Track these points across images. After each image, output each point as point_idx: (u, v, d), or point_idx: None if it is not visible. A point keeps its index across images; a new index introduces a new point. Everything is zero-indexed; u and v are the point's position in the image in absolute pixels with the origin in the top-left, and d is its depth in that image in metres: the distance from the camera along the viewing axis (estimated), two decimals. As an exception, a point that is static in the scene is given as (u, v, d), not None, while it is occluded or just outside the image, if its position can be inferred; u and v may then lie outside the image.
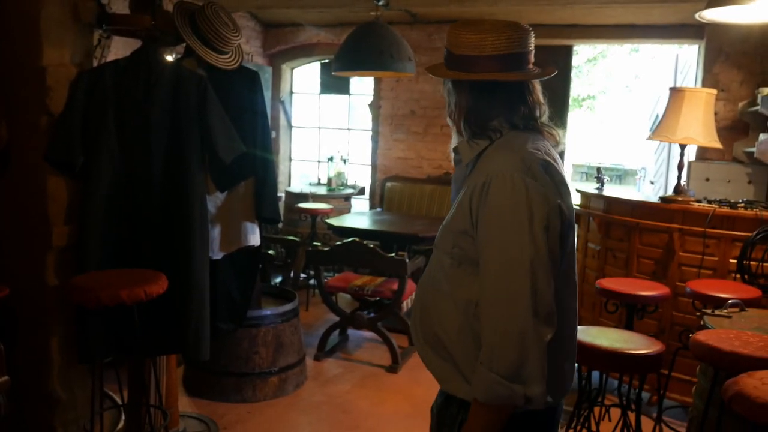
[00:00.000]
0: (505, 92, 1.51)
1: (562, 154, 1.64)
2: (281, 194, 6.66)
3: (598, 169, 4.72)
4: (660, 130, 3.80)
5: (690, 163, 5.58)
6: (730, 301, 2.78)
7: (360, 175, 7.16)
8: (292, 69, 7.44)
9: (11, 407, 2.32)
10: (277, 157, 7.23)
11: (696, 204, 3.76)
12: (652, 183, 6.96)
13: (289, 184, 7.45)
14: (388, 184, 6.56)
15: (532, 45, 1.53)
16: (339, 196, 6.61)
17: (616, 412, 3.11)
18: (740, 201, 3.80)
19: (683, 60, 6.40)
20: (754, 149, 4.64)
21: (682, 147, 3.86)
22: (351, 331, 4.93)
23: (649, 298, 3.26)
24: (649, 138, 4.00)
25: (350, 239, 4.33)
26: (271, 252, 5.30)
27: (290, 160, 7.56)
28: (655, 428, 3.26)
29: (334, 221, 5.21)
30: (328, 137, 7.67)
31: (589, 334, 2.57)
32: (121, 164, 2.72)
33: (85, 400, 2.86)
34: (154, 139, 2.73)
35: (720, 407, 2.17)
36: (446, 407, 1.55)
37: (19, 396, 2.66)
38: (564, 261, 1.46)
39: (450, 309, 1.50)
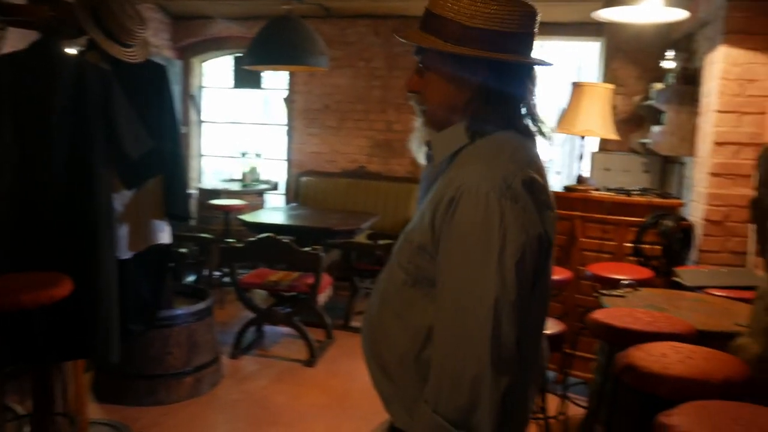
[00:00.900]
0: (519, 80, 1.29)
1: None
2: (193, 191, 6.51)
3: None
4: (563, 122, 4.00)
5: (593, 154, 5.89)
6: (624, 282, 2.98)
7: (274, 170, 7.10)
8: (203, 63, 7.27)
9: None
10: (188, 153, 7.06)
11: (595, 192, 3.99)
12: (558, 173, 7.28)
13: (200, 181, 7.30)
14: (303, 178, 6.55)
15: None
16: (253, 192, 6.54)
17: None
18: (635, 189, 4.06)
19: (585, 56, 6.73)
20: (648, 140, 4.95)
21: (583, 138, 4.08)
22: (267, 328, 4.90)
23: (553, 282, 3.44)
24: (552, 130, 4.19)
25: (265, 235, 4.30)
26: (183, 250, 5.18)
27: (201, 156, 7.40)
28: (561, 404, 3.44)
29: (248, 217, 5.15)
30: (242, 132, 7.56)
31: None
32: (22, 162, 2.60)
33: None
34: (56, 136, 2.62)
35: (614, 381, 2.33)
36: (389, 425, 1.43)
37: None
38: (537, 290, 1.24)
39: (397, 331, 1.33)
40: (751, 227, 3.45)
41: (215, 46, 6.95)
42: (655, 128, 4.72)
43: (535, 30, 1.29)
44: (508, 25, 1.23)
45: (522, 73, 1.28)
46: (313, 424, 3.55)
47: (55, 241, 2.65)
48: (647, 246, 3.65)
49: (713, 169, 3.70)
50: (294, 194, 6.58)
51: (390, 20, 6.24)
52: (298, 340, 4.63)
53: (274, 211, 5.84)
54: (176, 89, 6.37)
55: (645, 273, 3.40)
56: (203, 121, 7.31)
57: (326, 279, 4.52)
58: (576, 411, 3.52)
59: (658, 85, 5.04)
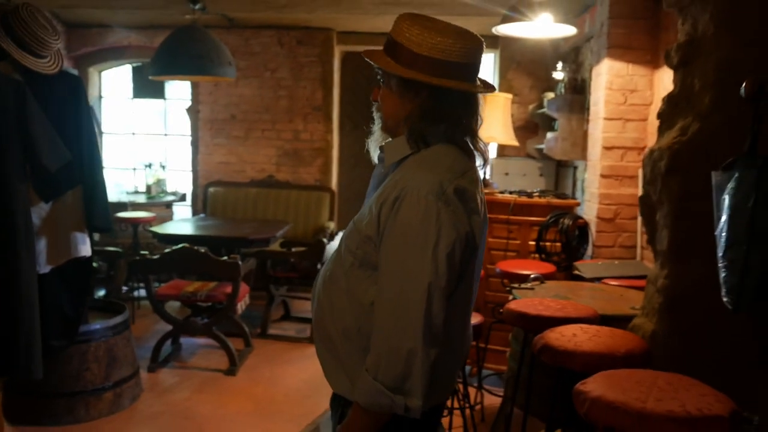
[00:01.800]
0: (457, 103, 1.47)
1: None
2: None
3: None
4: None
5: (492, 160, 6.24)
6: (532, 276, 3.24)
7: (180, 181, 6.98)
8: (101, 72, 7.04)
9: None
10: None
11: (500, 195, 4.28)
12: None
13: (103, 194, 7.04)
14: (211, 189, 6.49)
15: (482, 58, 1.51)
16: (160, 203, 6.41)
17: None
18: (535, 191, 4.38)
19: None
20: (543, 146, 5.33)
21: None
22: (184, 339, 4.84)
23: (466, 280, 3.67)
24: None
25: (180, 245, 4.27)
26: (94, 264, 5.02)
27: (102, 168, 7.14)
28: (477, 395, 3.68)
29: (159, 229, 5.07)
30: (143, 143, 7.36)
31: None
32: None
33: None
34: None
35: (530, 364, 2.56)
36: (332, 400, 1.63)
37: None
38: (464, 282, 1.47)
39: (343, 306, 1.50)
40: (640, 222, 3.84)
41: (114, 55, 6.76)
42: (549, 134, 5.10)
43: (478, 61, 1.48)
44: (449, 55, 1.42)
45: (460, 97, 1.47)
46: (241, 431, 3.58)
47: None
48: (549, 243, 3.96)
49: (603, 171, 4.08)
50: (202, 205, 6.51)
51: (294, 31, 6.34)
52: (216, 350, 4.62)
53: (184, 222, 5.77)
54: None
55: (548, 268, 3.70)
56: (103, 132, 7.07)
57: (244, 288, 4.54)
58: (492, 400, 3.76)
59: (550, 95, 5.44)
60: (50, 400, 3.43)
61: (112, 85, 7.29)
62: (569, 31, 3.64)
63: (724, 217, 1.86)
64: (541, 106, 5.54)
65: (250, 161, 6.54)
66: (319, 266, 5.02)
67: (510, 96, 4.38)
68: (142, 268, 4.32)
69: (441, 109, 1.45)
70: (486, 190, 4.27)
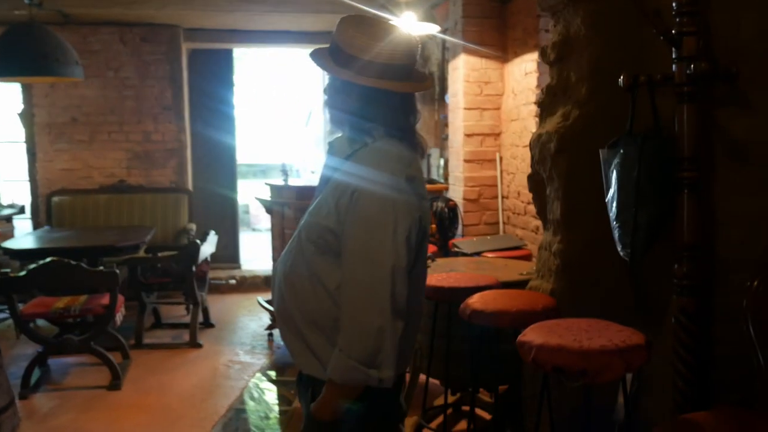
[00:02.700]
0: (391, 101, 1.57)
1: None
2: None
3: (283, 165, 5.18)
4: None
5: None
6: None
7: (16, 192, 6.38)
8: None
9: None
10: None
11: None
12: (313, 173, 7.80)
13: None
14: (56, 198, 6.03)
15: (418, 57, 1.63)
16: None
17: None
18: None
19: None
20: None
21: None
22: (51, 360, 4.51)
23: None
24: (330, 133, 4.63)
25: (48, 259, 3.98)
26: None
27: None
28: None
29: (10, 244, 4.66)
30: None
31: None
32: None
33: None
34: None
35: (446, 335, 2.83)
36: (299, 381, 1.73)
37: None
38: (419, 261, 1.62)
39: (306, 291, 1.60)
40: (501, 201, 4.28)
41: None
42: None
43: (413, 61, 1.60)
44: (388, 58, 1.54)
45: (398, 95, 1.58)
46: (146, 442, 3.48)
47: None
48: (425, 225, 4.28)
49: (466, 157, 4.49)
50: (45, 216, 6.02)
51: (137, 28, 6.08)
52: (91, 367, 4.39)
53: (35, 235, 5.32)
54: None
55: (430, 248, 4.02)
56: None
57: (120, 298, 4.34)
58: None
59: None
60: (-75, 442, 3.08)
61: None
62: (434, 29, 3.96)
63: (613, 187, 2.24)
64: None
65: (98, 166, 6.17)
66: (194, 268, 4.93)
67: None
68: (5, 287, 3.95)
69: (381, 107, 1.57)
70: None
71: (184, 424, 3.67)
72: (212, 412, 3.79)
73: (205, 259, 5.19)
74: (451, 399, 3.33)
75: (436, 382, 3.29)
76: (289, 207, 4.74)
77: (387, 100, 1.58)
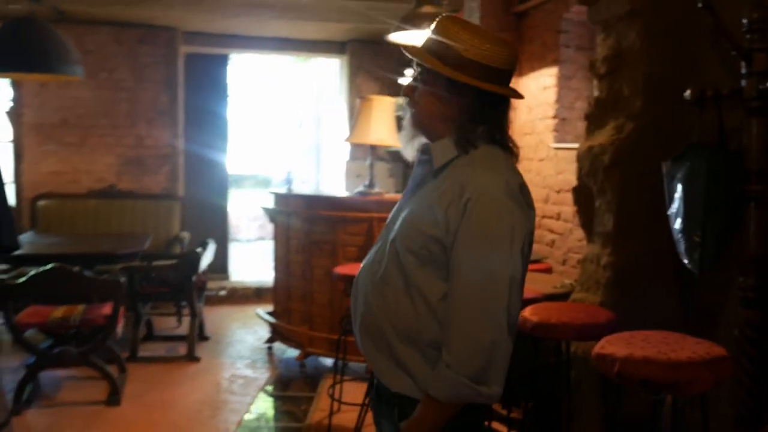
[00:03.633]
0: (500, 107, 1.55)
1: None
2: None
3: (288, 174, 5.07)
4: (356, 133, 4.37)
5: (347, 163, 6.42)
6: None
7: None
8: None
9: None
10: None
11: (387, 195, 4.46)
12: (304, 183, 7.69)
13: None
14: (41, 202, 5.78)
15: None
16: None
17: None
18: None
19: (324, 71, 7.26)
20: (394, 148, 5.62)
21: (371, 147, 4.51)
22: (42, 374, 4.27)
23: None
24: (347, 140, 4.55)
25: (50, 265, 3.79)
26: None
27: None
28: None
29: (1, 249, 4.42)
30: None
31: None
32: None
33: None
34: None
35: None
36: (379, 398, 1.62)
37: None
38: (524, 272, 1.55)
39: (402, 304, 1.52)
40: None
41: None
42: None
43: (513, 68, 1.56)
44: (495, 61, 1.50)
45: (499, 101, 1.55)
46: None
47: None
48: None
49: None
50: (30, 221, 5.77)
51: (134, 29, 5.92)
52: (84, 381, 4.18)
53: (24, 240, 5.07)
54: None
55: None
56: None
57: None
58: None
59: (401, 100, 5.75)
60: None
61: None
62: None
63: (677, 199, 2.23)
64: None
65: (87, 170, 5.95)
66: (194, 278, 4.77)
67: (394, 100, 4.54)
68: (3, 295, 3.74)
69: (484, 111, 1.52)
70: (373, 191, 4.44)
71: (196, 439, 3.52)
72: (223, 430, 3.64)
73: (203, 269, 5.04)
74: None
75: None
76: (296, 216, 4.63)
77: (500, 106, 1.54)
